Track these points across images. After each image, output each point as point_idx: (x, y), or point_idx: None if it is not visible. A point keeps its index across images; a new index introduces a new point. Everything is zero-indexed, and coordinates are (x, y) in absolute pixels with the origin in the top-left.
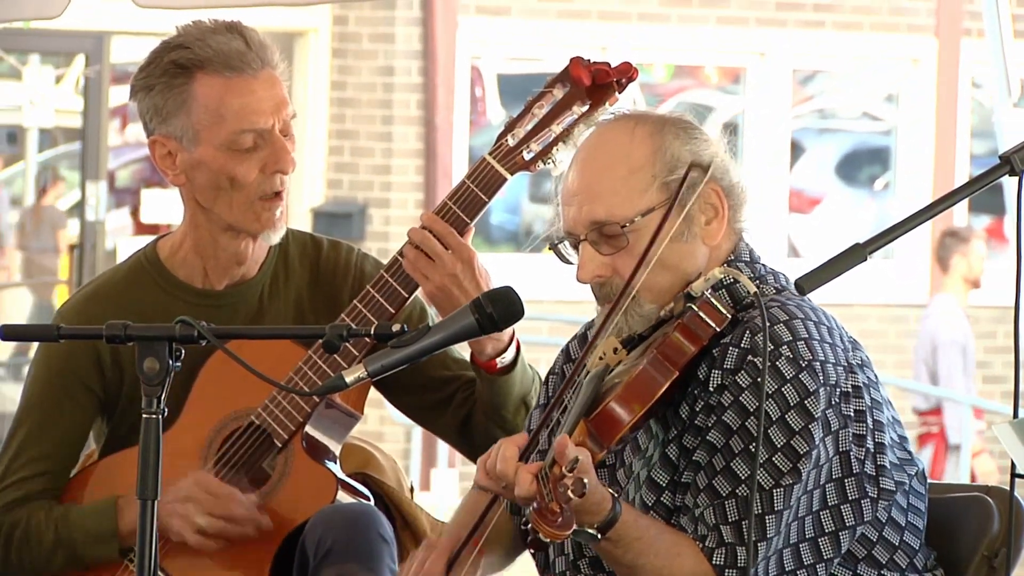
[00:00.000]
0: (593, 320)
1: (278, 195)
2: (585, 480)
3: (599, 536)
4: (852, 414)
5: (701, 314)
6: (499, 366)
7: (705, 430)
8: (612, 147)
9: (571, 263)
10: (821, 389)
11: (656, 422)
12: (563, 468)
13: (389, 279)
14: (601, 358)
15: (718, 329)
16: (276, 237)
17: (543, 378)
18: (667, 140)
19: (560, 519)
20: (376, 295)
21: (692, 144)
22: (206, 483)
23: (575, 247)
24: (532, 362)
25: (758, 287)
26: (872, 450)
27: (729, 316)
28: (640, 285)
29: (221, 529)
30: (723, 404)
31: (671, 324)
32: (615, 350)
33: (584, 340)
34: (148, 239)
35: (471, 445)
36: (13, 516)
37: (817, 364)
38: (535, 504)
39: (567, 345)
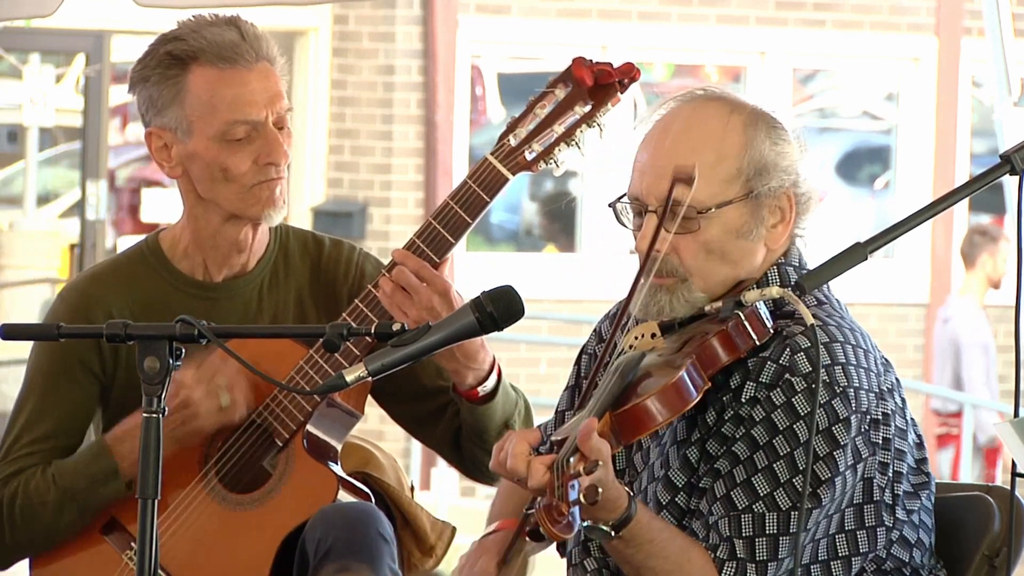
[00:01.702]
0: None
1: (276, 177)
2: (599, 488)
3: (612, 533)
4: (880, 441)
5: (746, 324)
6: (480, 394)
7: (731, 440)
8: (704, 129)
9: (626, 227)
10: (852, 417)
11: (681, 419)
12: (581, 468)
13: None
14: (636, 339)
15: (758, 342)
16: (277, 217)
17: (576, 358)
18: (759, 137)
19: (566, 519)
20: (378, 294)
21: (779, 146)
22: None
23: (638, 214)
24: (532, 362)
25: (800, 296)
26: (891, 478)
27: (772, 331)
28: (696, 271)
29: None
30: (753, 418)
31: (713, 326)
32: (652, 335)
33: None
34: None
35: (462, 459)
36: (8, 489)
37: (851, 391)
38: (543, 499)
39: (599, 326)
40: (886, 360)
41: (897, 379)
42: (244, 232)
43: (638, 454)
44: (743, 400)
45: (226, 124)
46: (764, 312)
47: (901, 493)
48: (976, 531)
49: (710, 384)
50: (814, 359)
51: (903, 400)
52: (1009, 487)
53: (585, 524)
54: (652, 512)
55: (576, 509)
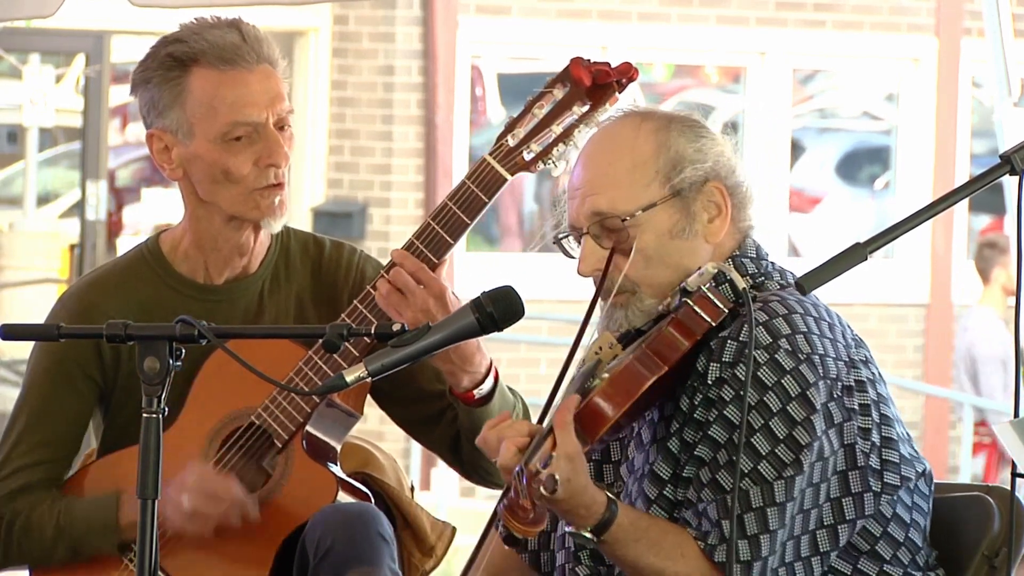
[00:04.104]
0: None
1: (277, 185)
2: (557, 476)
3: (594, 539)
4: (856, 407)
5: (696, 308)
6: (476, 397)
7: (706, 424)
8: (617, 141)
9: (574, 258)
10: (821, 382)
11: (658, 415)
12: (539, 464)
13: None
14: (597, 353)
15: (713, 323)
16: (277, 225)
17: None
18: (672, 137)
19: (531, 515)
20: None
21: (698, 142)
22: (201, 472)
23: (578, 241)
24: (532, 362)
25: (761, 284)
26: (878, 444)
27: (726, 310)
28: (641, 280)
29: (208, 513)
30: (723, 398)
31: (666, 319)
32: (611, 345)
33: None
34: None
35: (461, 463)
36: (15, 506)
37: (816, 357)
38: (505, 500)
39: None
40: (859, 338)
41: (871, 356)
42: (246, 235)
43: (624, 465)
44: (710, 382)
45: (227, 125)
46: (714, 294)
47: (895, 459)
48: (976, 531)
49: (668, 368)
50: (774, 330)
51: (879, 374)
52: (1009, 487)
53: (568, 530)
54: (639, 511)
55: (541, 502)
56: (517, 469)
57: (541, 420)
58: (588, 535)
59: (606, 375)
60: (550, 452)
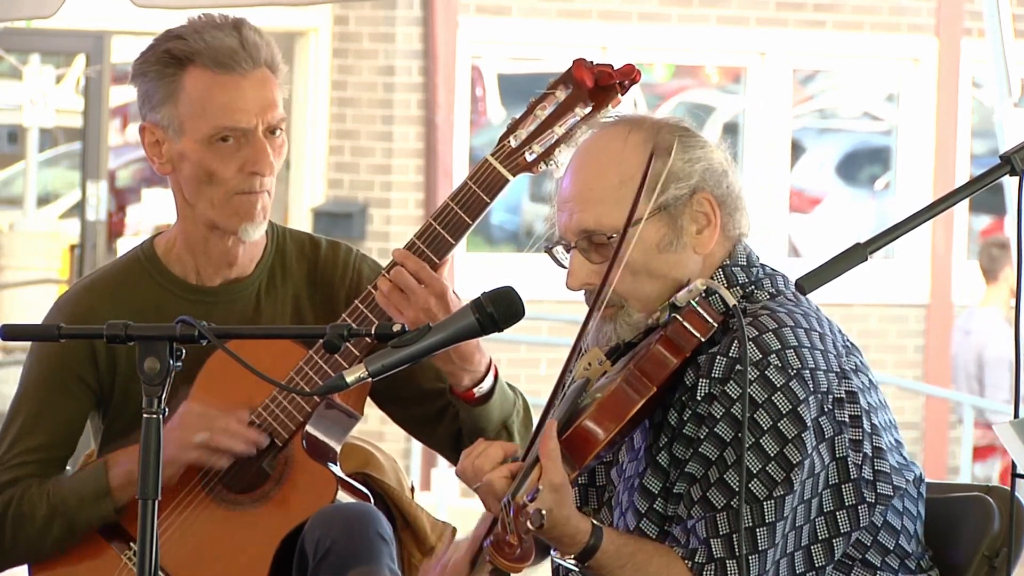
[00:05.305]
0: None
1: (260, 192)
2: (543, 511)
3: (577, 567)
4: (847, 419)
5: (686, 324)
6: (476, 395)
7: (697, 441)
8: (605, 154)
9: (565, 267)
10: (811, 397)
11: (648, 422)
12: (526, 497)
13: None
14: (586, 369)
15: (703, 339)
16: (255, 232)
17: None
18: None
19: (518, 551)
20: (375, 295)
21: (685, 153)
22: (194, 406)
23: (568, 252)
24: (532, 362)
25: (751, 294)
26: (870, 455)
27: (715, 324)
28: (629, 295)
29: (217, 441)
30: (713, 415)
31: (654, 335)
32: (600, 362)
33: None
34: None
35: None
36: (4, 497)
37: (807, 372)
38: (491, 537)
39: None
40: (850, 344)
41: (864, 362)
42: (232, 242)
43: (614, 469)
44: (699, 398)
45: (214, 128)
46: (704, 308)
47: (887, 468)
48: (976, 531)
49: (656, 389)
50: (764, 346)
51: (872, 381)
52: (1009, 487)
53: (553, 555)
54: (624, 537)
55: (528, 536)
56: (504, 501)
57: (538, 429)
58: (572, 562)
59: (597, 396)
60: (537, 483)
